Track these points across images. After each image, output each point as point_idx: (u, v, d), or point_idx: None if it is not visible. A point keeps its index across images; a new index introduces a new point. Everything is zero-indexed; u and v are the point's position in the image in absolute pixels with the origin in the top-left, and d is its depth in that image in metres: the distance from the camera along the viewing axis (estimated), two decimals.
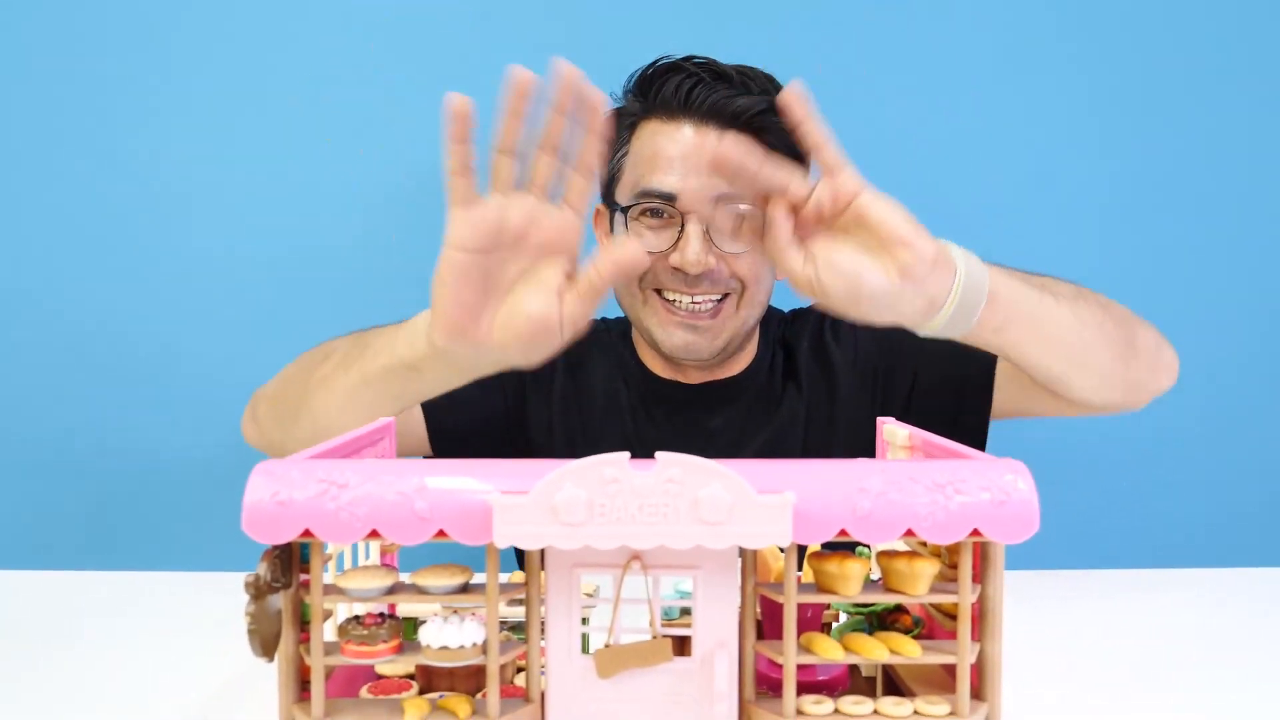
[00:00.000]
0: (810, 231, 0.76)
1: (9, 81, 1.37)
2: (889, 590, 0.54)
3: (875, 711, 0.52)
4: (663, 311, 1.08)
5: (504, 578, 0.57)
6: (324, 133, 1.39)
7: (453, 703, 0.51)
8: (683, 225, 1.02)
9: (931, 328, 0.78)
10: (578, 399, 1.16)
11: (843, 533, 0.49)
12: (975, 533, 0.50)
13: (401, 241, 1.38)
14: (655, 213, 1.05)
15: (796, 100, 0.73)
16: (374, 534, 0.49)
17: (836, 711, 0.52)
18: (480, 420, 1.12)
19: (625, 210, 1.06)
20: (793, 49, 1.35)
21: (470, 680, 0.57)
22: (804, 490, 0.49)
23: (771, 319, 1.18)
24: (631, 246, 0.72)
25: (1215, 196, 1.41)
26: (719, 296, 1.07)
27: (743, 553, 0.53)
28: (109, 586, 0.98)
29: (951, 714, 0.52)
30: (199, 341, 1.39)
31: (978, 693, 0.54)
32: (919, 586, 0.53)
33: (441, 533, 0.49)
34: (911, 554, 0.54)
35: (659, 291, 1.07)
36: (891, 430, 0.72)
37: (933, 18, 1.39)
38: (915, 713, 0.52)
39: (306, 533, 0.49)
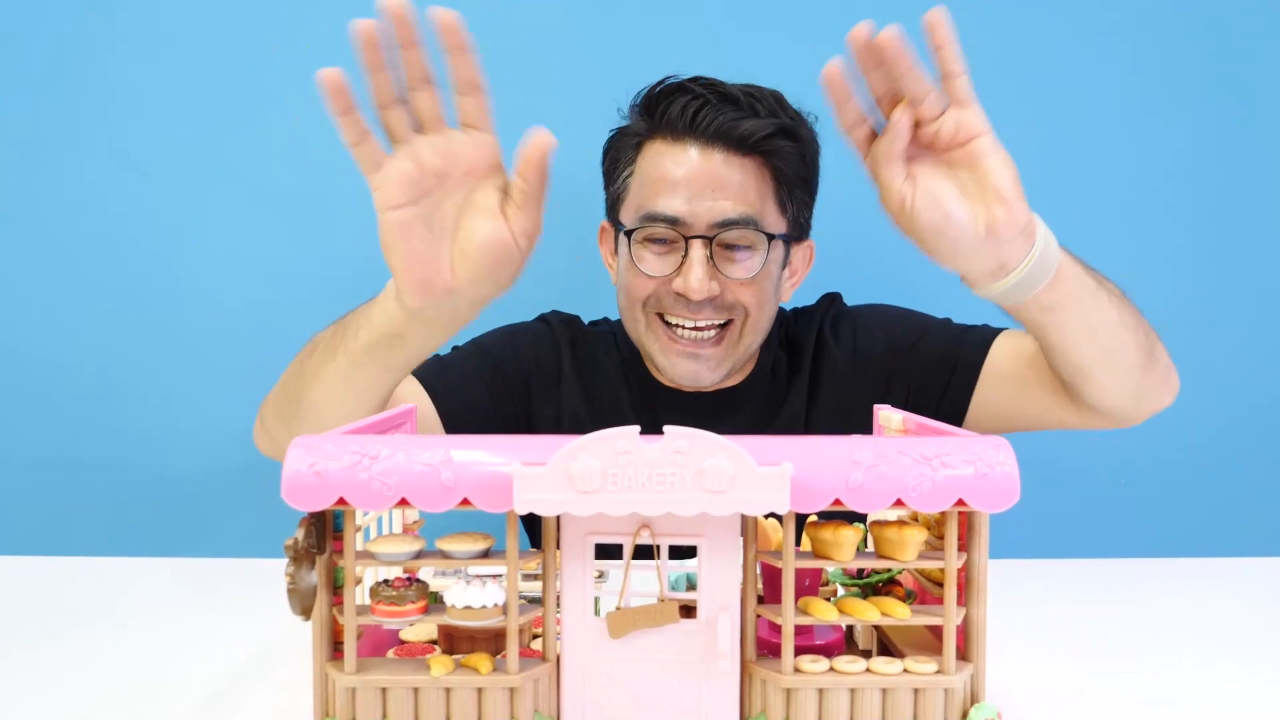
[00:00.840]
0: (917, 155, 0.75)
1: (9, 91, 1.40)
2: (880, 557, 0.58)
3: (868, 669, 0.56)
4: (665, 339, 1.08)
5: None
6: (325, 137, 1.40)
7: (475, 660, 0.55)
8: (686, 250, 1.03)
9: (990, 290, 0.79)
10: (584, 401, 1.17)
11: (837, 502, 0.53)
12: (960, 503, 0.54)
13: None
14: (660, 236, 1.05)
15: (939, 25, 0.71)
16: (403, 502, 0.53)
17: (831, 670, 0.56)
18: (489, 425, 1.13)
19: (630, 233, 1.06)
20: (794, 55, 1.38)
21: (490, 644, 0.61)
22: (801, 462, 0.53)
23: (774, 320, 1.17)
24: (538, 134, 0.72)
25: (1213, 195, 1.43)
26: (722, 322, 1.07)
27: (744, 521, 0.57)
28: (127, 571, 1.02)
29: (938, 672, 0.56)
30: (210, 340, 1.42)
31: (963, 654, 0.58)
32: (908, 553, 0.57)
33: (465, 501, 0.53)
34: (901, 523, 0.58)
35: (661, 316, 1.07)
36: (887, 415, 0.75)
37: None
38: (905, 671, 0.56)
39: (341, 501, 0.53)
